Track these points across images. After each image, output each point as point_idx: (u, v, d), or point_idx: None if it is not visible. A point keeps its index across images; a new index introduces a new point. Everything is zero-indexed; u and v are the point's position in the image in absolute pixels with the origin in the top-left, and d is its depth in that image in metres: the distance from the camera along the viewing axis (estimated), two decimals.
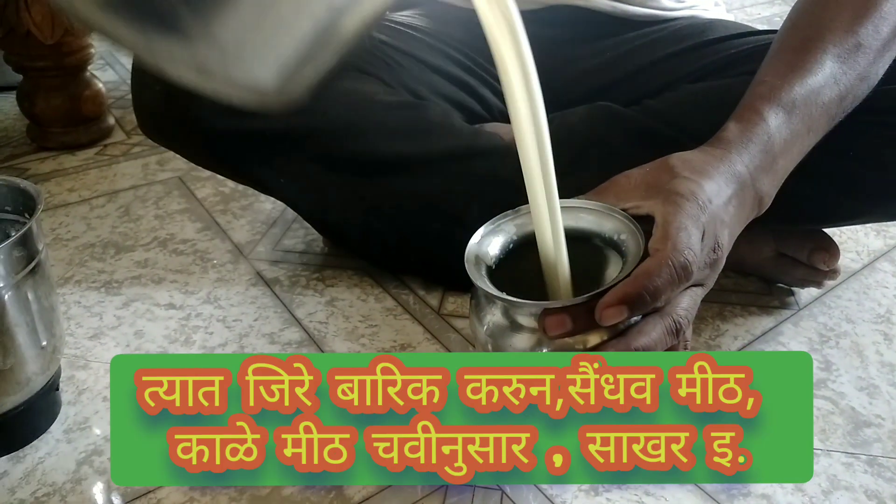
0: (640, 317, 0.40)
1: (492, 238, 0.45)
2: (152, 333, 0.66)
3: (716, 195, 0.42)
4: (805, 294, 0.71)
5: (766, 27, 0.88)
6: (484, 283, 0.41)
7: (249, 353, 0.63)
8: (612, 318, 0.37)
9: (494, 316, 0.42)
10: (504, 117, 0.76)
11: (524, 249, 0.45)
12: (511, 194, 0.73)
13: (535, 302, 0.40)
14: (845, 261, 0.75)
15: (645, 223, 0.42)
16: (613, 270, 0.42)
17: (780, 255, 0.69)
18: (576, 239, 0.43)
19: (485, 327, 0.42)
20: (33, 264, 0.50)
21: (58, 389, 0.57)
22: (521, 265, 0.44)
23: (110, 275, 0.74)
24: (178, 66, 0.28)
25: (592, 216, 0.44)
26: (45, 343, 0.52)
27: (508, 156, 0.69)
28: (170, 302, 0.70)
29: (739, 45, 0.67)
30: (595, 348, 0.38)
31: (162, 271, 0.74)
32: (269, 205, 0.86)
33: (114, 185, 0.91)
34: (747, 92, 0.49)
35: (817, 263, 0.67)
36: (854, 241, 0.80)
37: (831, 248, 0.67)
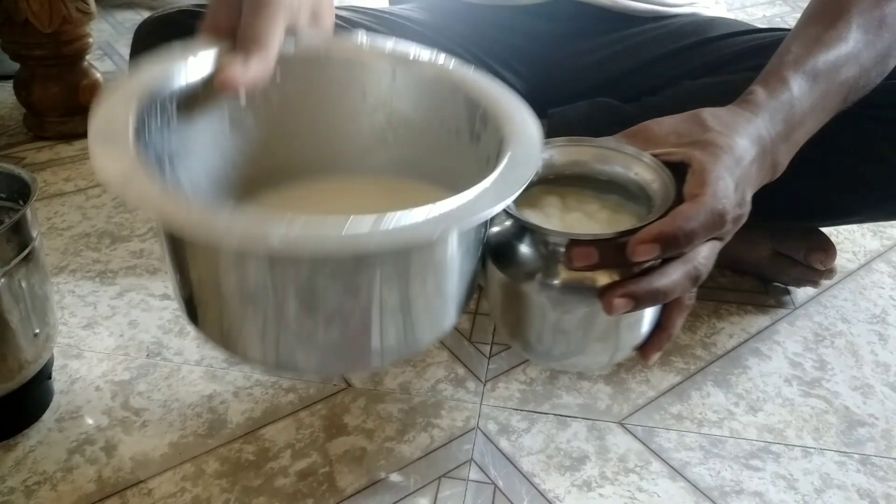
0: (660, 261, 0.39)
1: None
2: (146, 324, 0.65)
3: (745, 153, 0.42)
4: (801, 293, 0.71)
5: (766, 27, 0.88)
6: (511, 209, 0.39)
7: None
8: (645, 253, 0.36)
9: (514, 245, 0.40)
10: None
11: (549, 184, 0.43)
12: None
13: (565, 232, 0.39)
14: (842, 261, 0.75)
15: (675, 171, 0.41)
16: (638, 213, 0.41)
17: (776, 254, 0.69)
18: (601, 180, 0.43)
19: (502, 260, 0.41)
20: (27, 252, 0.50)
21: (50, 378, 0.57)
22: (543, 200, 0.43)
23: (105, 265, 0.74)
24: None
25: (620, 158, 0.43)
26: (37, 331, 0.52)
27: None
28: (165, 292, 0.70)
29: (740, 42, 0.67)
30: (613, 286, 0.38)
31: (157, 262, 0.74)
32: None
33: None
34: (773, 59, 0.49)
35: (814, 263, 0.67)
36: (851, 241, 0.80)
37: (828, 248, 0.67)
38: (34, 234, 0.51)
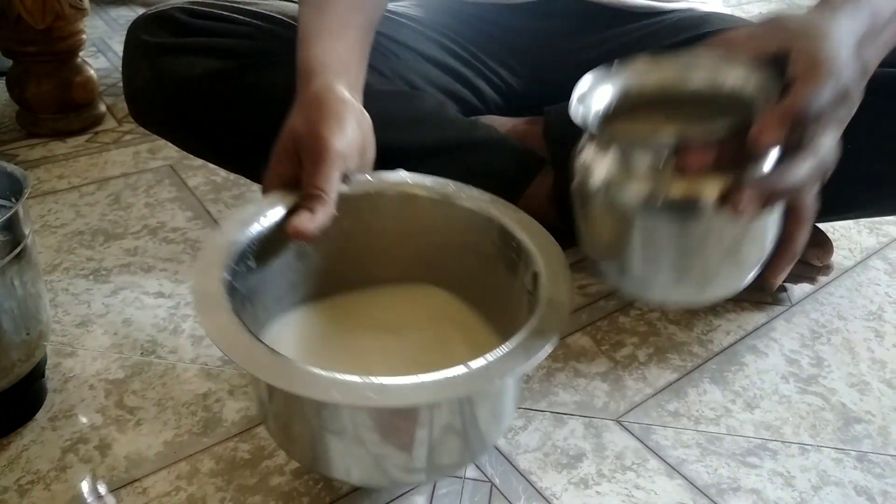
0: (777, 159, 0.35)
1: (596, 93, 0.40)
2: (141, 322, 0.65)
3: (844, 38, 0.39)
4: (797, 290, 0.71)
5: None
6: (597, 128, 0.37)
7: None
8: (772, 136, 0.33)
9: (610, 167, 0.37)
10: (499, 109, 0.76)
11: (628, 111, 0.40)
12: (506, 186, 0.72)
13: (673, 135, 0.35)
14: (838, 258, 0.75)
15: (769, 67, 0.37)
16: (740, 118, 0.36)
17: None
18: (688, 100, 0.39)
19: (598, 185, 0.37)
20: (19, 249, 0.49)
21: (43, 377, 0.56)
22: (624, 127, 0.40)
23: (99, 262, 0.73)
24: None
25: (706, 68, 0.39)
26: (30, 330, 0.51)
27: (504, 147, 0.69)
28: (159, 290, 0.69)
29: None
30: (739, 187, 0.34)
31: (151, 260, 0.74)
32: (260, 194, 0.85)
33: (104, 173, 0.90)
34: None
35: (811, 259, 0.67)
36: (847, 238, 0.80)
37: (825, 244, 0.67)
38: (26, 231, 0.50)
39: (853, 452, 0.54)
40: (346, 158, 0.46)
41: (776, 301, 0.70)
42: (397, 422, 0.39)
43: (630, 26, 0.73)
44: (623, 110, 0.40)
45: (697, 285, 0.39)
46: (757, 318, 0.68)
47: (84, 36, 0.98)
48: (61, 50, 0.95)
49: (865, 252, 0.78)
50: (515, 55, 0.74)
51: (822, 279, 0.71)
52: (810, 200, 0.38)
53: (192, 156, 0.91)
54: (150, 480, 0.50)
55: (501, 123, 0.71)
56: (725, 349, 0.64)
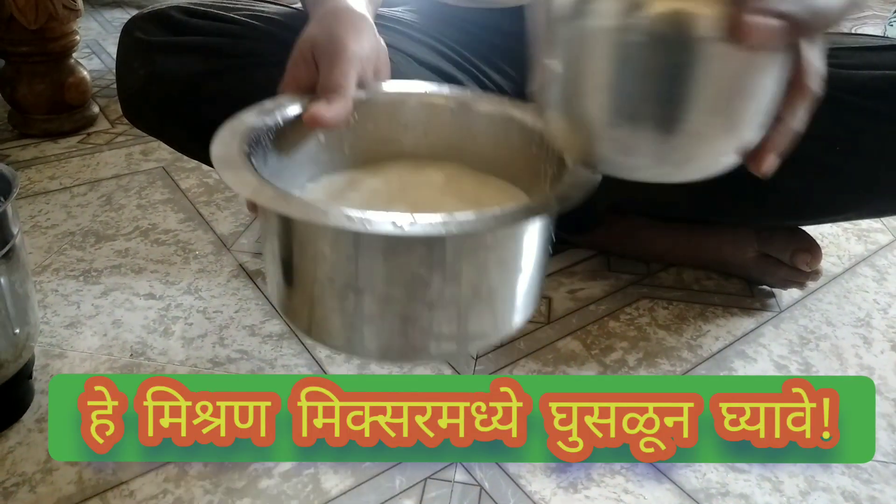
0: None
1: None
2: (130, 323, 0.65)
3: None
4: (786, 296, 0.72)
5: None
6: None
7: (229, 344, 0.63)
8: None
9: None
10: None
11: None
12: None
13: None
14: (826, 265, 0.76)
15: None
16: None
17: (762, 255, 0.70)
18: None
19: (564, 8, 0.30)
20: (6, 249, 0.49)
21: (31, 378, 0.56)
22: None
23: (89, 263, 0.73)
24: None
25: None
26: (17, 330, 0.51)
27: None
28: (150, 292, 0.69)
29: None
30: (741, 7, 0.27)
31: (142, 261, 0.73)
32: None
33: (96, 174, 0.90)
34: None
35: (799, 264, 0.67)
36: (835, 245, 0.81)
37: (813, 249, 0.67)
38: (15, 230, 0.50)
39: None
40: (363, 62, 0.46)
41: (765, 307, 0.70)
42: (418, 265, 0.34)
43: None
44: None
45: (680, 145, 0.31)
46: (746, 323, 0.68)
47: (77, 37, 0.98)
48: (54, 51, 0.95)
49: (854, 259, 0.79)
50: (507, 59, 0.74)
51: (811, 285, 0.72)
52: (818, 59, 0.32)
53: (184, 158, 0.91)
54: (137, 483, 0.50)
55: None
56: (714, 354, 0.64)
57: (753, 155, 0.33)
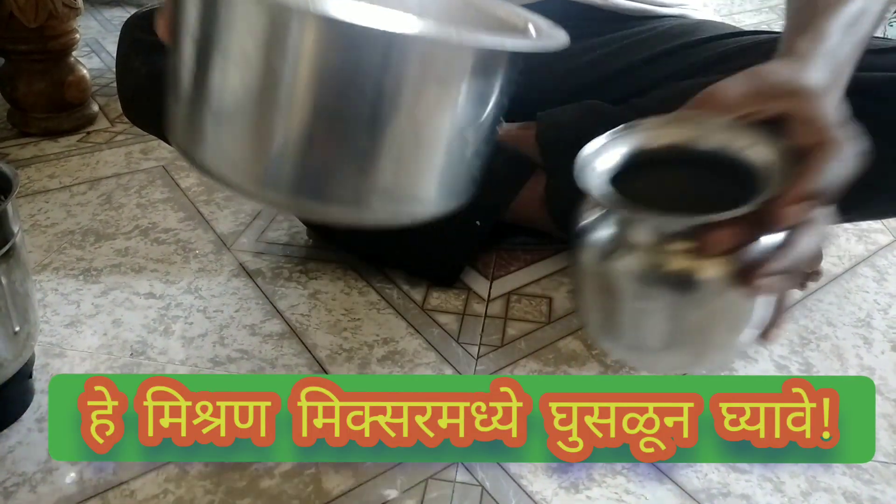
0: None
1: (609, 151, 0.39)
2: (131, 322, 0.65)
3: (825, 92, 0.40)
4: None
5: None
6: (611, 199, 0.35)
7: (229, 343, 0.62)
8: (797, 215, 0.33)
9: (617, 237, 0.36)
10: None
11: (639, 167, 0.39)
12: (499, 189, 0.72)
13: (693, 216, 0.34)
14: (827, 265, 0.76)
15: (768, 129, 0.37)
16: (736, 188, 0.36)
17: None
18: (684, 161, 0.38)
19: (601, 253, 0.36)
20: (7, 248, 0.49)
21: (31, 377, 0.56)
22: (631, 187, 0.38)
23: (89, 262, 0.73)
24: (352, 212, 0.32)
25: (721, 133, 0.38)
26: (17, 329, 0.51)
27: (496, 152, 0.69)
28: (150, 291, 0.69)
29: (728, 43, 0.67)
30: (751, 268, 0.33)
31: (142, 260, 0.73)
32: None
33: (96, 173, 0.90)
34: (797, 13, 0.47)
35: None
36: (836, 245, 0.81)
37: None
38: (15, 229, 0.50)
39: None
40: None
41: None
42: (354, 67, 0.28)
43: (623, 31, 0.74)
44: (629, 173, 0.38)
45: (692, 358, 0.39)
46: None
47: (77, 35, 0.98)
48: (54, 49, 0.95)
49: (854, 259, 0.79)
50: None
51: (811, 285, 0.72)
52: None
53: None
54: (137, 483, 0.50)
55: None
56: None
57: (765, 334, 0.39)
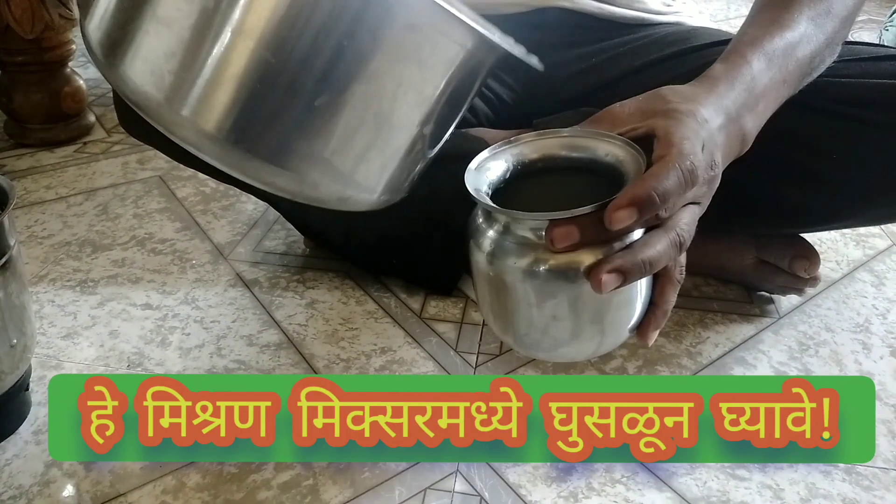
0: (643, 232, 0.39)
1: (491, 163, 0.43)
2: (127, 334, 0.64)
3: (710, 119, 0.43)
4: (785, 302, 0.72)
5: None
6: (487, 200, 0.40)
7: (227, 354, 0.62)
8: (623, 220, 0.36)
9: (494, 236, 0.40)
10: (489, 121, 0.76)
11: (522, 178, 0.44)
12: None
13: (542, 213, 0.38)
14: (825, 270, 0.76)
15: (643, 145, 0.41)
16: (614, 192, 0.41)
17: (761, 262, 0.69)
18: (573, 168, 0.43)
19: (484, 252, 0.40)
20: (3, 260, 0.49)
21: (28, 390, 0.56)
22: (519, 193, 0.43)
23: (86, 273, 0.72)
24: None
25: (590, 143, 0.43)
26: (14, 341, 0.51)
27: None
28: (146, 302, 0.69)
29: (723, 51, 0.67)
30: (599, 263, 0.37)
31: (139, 271, 0.73)
32: (250, 206, 0.85)
33: (92, 184, 0.90)
34: (732, 42, 0.52)
35: (798, 270, 0.67)
36: (834, 250, 0.81)
37: (811, 256, 0.67)
38: (12, 241, 0.50)
39: (841, 465, 0.54)
40: None
41: (764, 313, 0.70)
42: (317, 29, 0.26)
43: (619, 39, 0.74)
44: (513, 181, 0.43)
45: (573, 347, 0.42)
46: (745, 329, 0.68)
47: (74, 46, 0.98)
48: (50, 60, 0.95)
49: (852, 264, 0.79)
50: (506, 68, 0.74)
51: (810, 291, 0.72)
52: (678, 266, 0.42)
53: (181, 166, 0.91)
54: (135, 495, 0.49)
55: (492, 136, 0.72)
56: (714, 361, 0.64)
57: (640, 332, 0.42)
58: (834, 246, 0.82)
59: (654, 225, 0.39)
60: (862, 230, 0.85)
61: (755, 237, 0.69)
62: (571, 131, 0.44)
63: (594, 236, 0.37)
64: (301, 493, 0.50)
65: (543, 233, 0.38)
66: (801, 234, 0.70)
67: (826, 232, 0.83)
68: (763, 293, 0.72)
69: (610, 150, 0.42)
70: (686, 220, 0.40)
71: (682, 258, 0.42)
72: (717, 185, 0.43)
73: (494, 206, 0.40)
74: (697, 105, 0.43)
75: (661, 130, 0.41)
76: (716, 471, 0.53)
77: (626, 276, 0.37)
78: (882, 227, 0.86)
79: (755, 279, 0.71)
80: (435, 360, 0.62)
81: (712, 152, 0.42)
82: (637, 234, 0.39)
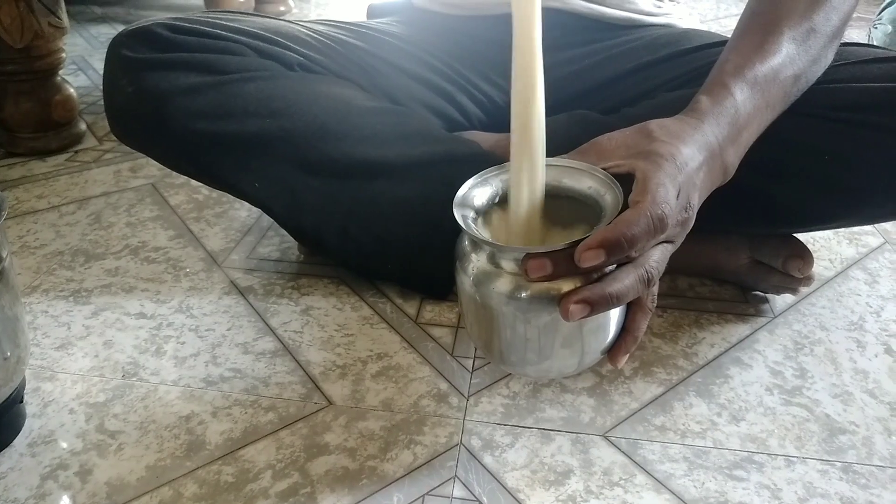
0: (615, 267, 0.42)
1: (478, 189, 0.47)
2: (122, 343, 0.64)
3: (690, 160, 0.45)
4: (780, 301, 0.72)
5: None
6: (472, 230, 0.43)
7: (222, 363, 0.62)
8: (590, 260, 0.39)
9: (479, 262, 0.43)
10: (482, 125, 0.76)
11: (502, 206, 0.47)
12: None
13: (520, 247, 0.43)
14: (819, 269, 0.76)
15: (624, 181, 0.44)
16: (592, 224, 0.45)
17: (755, 262, 0.70)
18: (557, 196, 0.46)
19: (470, 276, 0.44)
20: None
21: (22, 401, 0.55)
22: (505, 217, 0.47)
23: (79, 283, 0.72)
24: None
25: (574, 174, 0.46)
26: (8, 354, 0.50)
27: (487, 163, 0.69)
28: (140, 311, 0.68)
29: (714, 53, 0.68)
30: (571, 293, 0.40)
31: (133, 280, 0.73)
32: (243, 212, 0.85)
33: (84, 192, 0.90)
34: (714, 69, 0.53)
35: (792, 270, 0.67)
36: (827, 249, 0.81)
37: (805, 255, 0.68)
38: (4, 253, 0.50)
39: (838, 464, 0.54)
40: None
41: (759, 313, 0.70)
42: None
43: (611, 41, 0.74)
44: (501, 205, 0.47)
45: (548, 368, 0.46)
46: (741, 329, 0.68)
47: (64, 54, 0.97)
48: (40, 69, 0.95)
49: (845, 262, 0.79)
50: (497, 69, 0.75)
51: (804, 290, 0.72)
52: (650, 296, 0.44)
53: (173, 174, 0.90)
54: None
55: (484, 139, 0.72)
56: (710, 362, 0.64)
57: (611, 356, 0.46)
58: (827, 244, 0.82)
59: (625, 261, 0.41)
60: (855, 228, 0.85)
61: (749, 237, 0.69)
62: (557, 161, 0.47)
63: (566, 271, 0.40)
64: (299, 501, 0.50)
65: (520, 262, 0.41)
66: (795, 234, 0.70)
67: (819, 231, 0.84)
68: (758, 293, 0.73)
69: (592, 183, 0.45)
70: (656, 258, 0.43)
71: (655, 288, 0.45)
72: (692, 224, 0.45)
73: (480, 236, 0.43)
74: (680, 145, 0.45)
75: (640, 174, 0.43)
76: (713, 472, 0.53)
77: (593, 307, 0.40)
78: (874, 225, 0.86)
79: (750, 279, 0.71)
80: (431, 365, 0.62)
81: (689, 194, 0.44)
82: (612, 265, 0.41)
